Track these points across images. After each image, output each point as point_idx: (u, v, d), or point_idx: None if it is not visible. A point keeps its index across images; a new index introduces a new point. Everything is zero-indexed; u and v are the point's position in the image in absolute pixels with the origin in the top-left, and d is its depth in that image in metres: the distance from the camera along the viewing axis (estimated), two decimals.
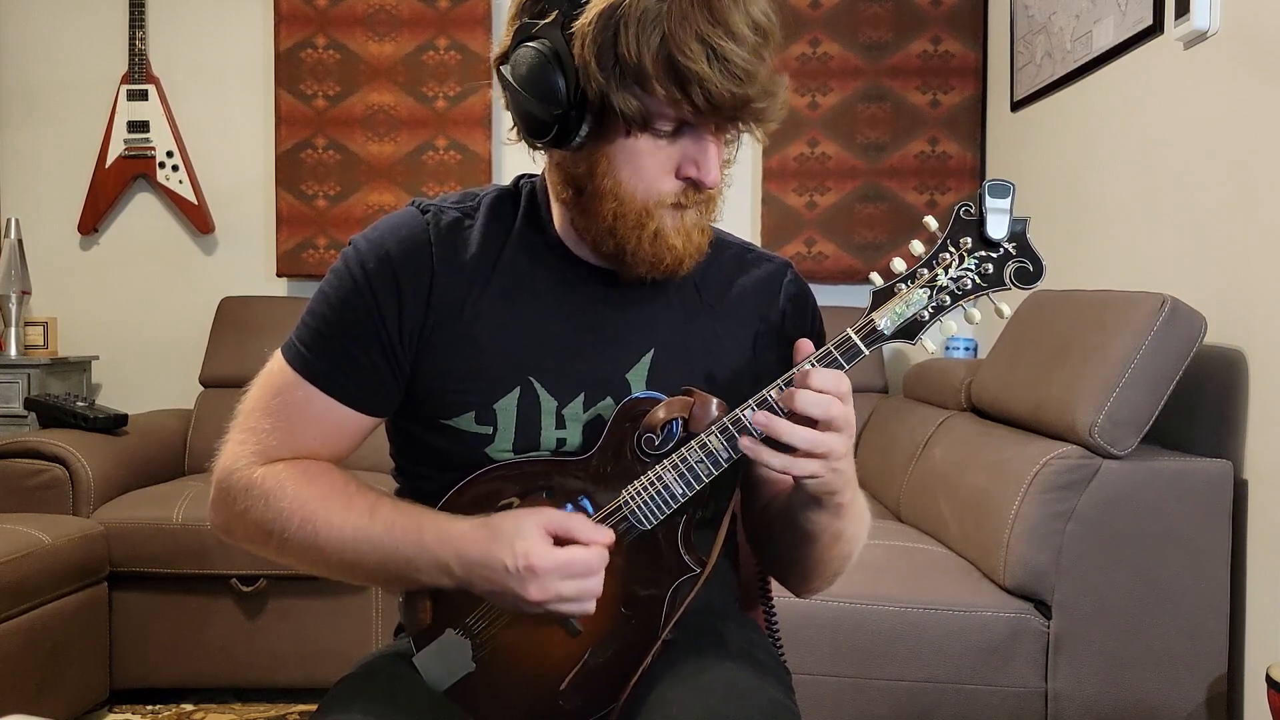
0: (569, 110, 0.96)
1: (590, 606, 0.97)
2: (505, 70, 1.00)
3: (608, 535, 0.98)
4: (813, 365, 0.97)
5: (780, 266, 1.17)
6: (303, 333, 1.08)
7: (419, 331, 1.06)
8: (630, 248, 1.01)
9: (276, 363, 1.09)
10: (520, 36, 0.98)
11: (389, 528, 1.01)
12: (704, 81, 0.91)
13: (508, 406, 1.05)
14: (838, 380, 0.95)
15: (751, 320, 1.13)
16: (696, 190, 1.00)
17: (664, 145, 0.98)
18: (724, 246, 1.15)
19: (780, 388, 0.97)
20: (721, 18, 0.91)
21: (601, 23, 0.92)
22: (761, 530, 1.16)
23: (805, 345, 1.00)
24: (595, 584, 0.96)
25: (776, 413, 0.98)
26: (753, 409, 0.98)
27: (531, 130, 0.99)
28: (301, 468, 1.06)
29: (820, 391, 0.94)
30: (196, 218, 3.54)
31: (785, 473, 0.96)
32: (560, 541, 0.96)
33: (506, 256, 1.08)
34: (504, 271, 1.07)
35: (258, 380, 1.10)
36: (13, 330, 3.34)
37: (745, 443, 0.97)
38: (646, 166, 0.98)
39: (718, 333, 1.11)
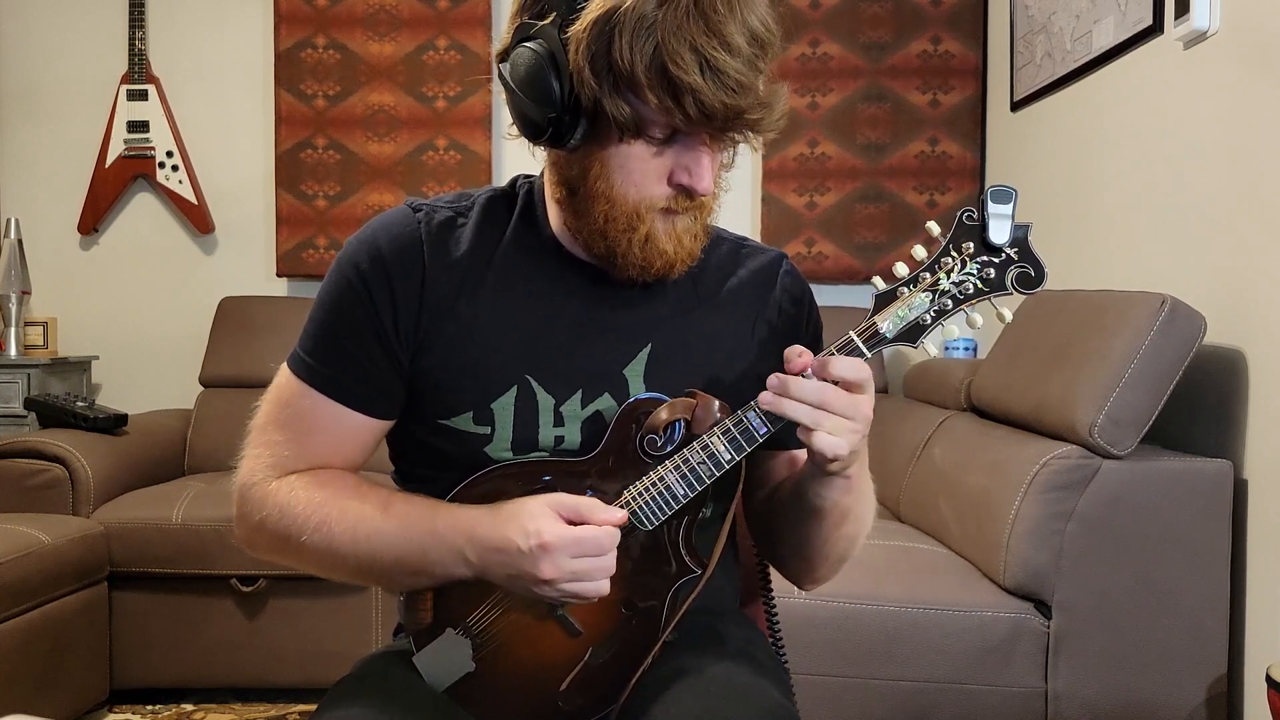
0: (563, 114, 0.96)
1: (604, 586, 0.96)
2: (504, 69, 1.00)
3: (619, 514, 0.97)
4: (833, 353, 0.97)
5: (775, 258, 1.17)
6: (305, 341, 1.09)
7: (414, 328, 1.06)
8: (620, 250, 1.01)
9: (283, 375, 1.10)
10: (519, 36, 0.98)
11: (403, 521, 1.02)
12: (696, 92, 0.91)
13: (505, 405, 1.05)
14: (858, 368, 0.96)
15: (748, 313, 1.13)
16: (688, 197, 1.00)
17: (657, 151, 0.98)
18: (720, 241, 1.15)
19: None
20: (717, 29, 0.90)
21: (596, 29, 0.92)
22: (768, 517, 1.16)
23: (796, 351, 0.99)
24: (609, 562, 0.96)
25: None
26: (756, 410, 0.98)
27: (527, 130, 1.00)
28: (313, 475, 1.07)
29: (841, 378, 0.96)
30: (196, 218, 3.54)
31: (814, 426, 0.95)
32: (571, 523, 0.96)
33: (500, 254, 1.08)
34: (498, 269, 1.08)
35: (267, 394, 1.11)
36: (13, 330, 3.34)
37: (766, 397, 0.96)
38: (638, 171, 0.98)
39: (715, 326, 1.11)
